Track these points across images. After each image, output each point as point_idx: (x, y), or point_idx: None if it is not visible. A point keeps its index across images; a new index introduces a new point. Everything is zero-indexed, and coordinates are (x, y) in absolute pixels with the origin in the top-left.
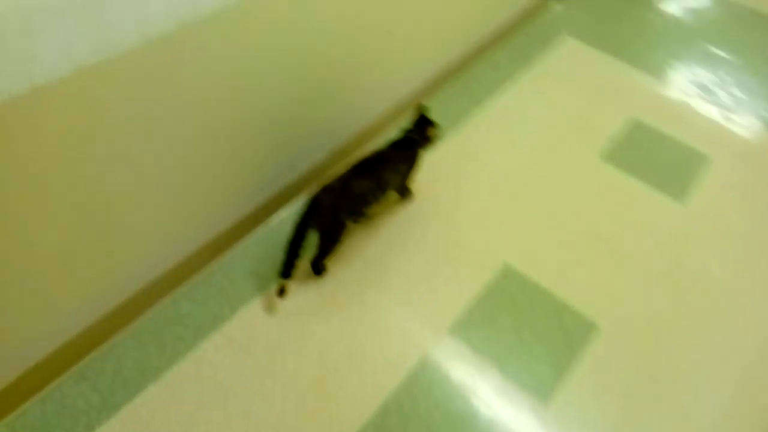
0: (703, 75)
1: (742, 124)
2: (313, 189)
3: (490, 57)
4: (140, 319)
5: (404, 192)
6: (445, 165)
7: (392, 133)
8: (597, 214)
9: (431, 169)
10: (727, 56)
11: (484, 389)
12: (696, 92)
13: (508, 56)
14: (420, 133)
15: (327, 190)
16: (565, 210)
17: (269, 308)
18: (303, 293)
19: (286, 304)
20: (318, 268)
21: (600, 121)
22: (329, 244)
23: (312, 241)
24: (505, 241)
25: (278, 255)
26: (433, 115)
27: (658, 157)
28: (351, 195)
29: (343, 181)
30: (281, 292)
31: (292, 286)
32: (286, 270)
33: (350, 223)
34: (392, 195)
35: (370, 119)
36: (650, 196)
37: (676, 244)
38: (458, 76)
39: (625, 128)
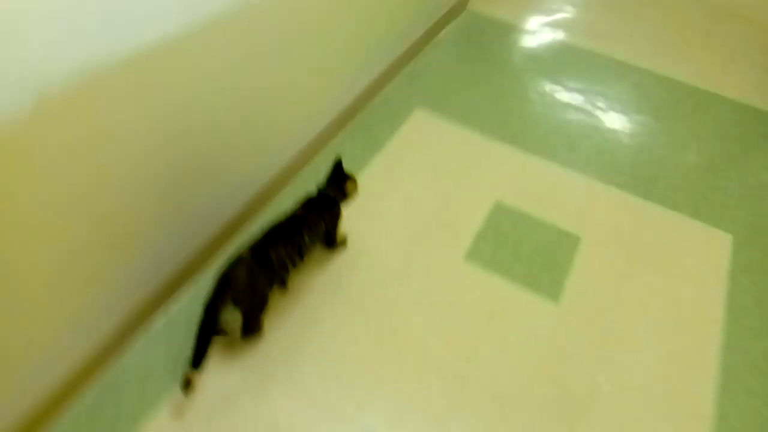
0: (570, 143)
1: (613, 197)
2: (221, 264)
3: (334, 147)
4: None
5: (332, 243)
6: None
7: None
8: (464, 337)
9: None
10: (595, 119)
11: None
12: (564, 163)
13: (354, 142)
14: (335, 188)
15: (240, 263)
16: (430, 338)
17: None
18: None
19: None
20: (249, 334)
21: (462, 212)
22: (254, 318)
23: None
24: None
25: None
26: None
27: (527, 248)
28: (269, 264)
29: (257, 250)
30: (187, 384)
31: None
32: (197, 359)
33: (273, 294)
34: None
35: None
36: (522, 298)
37: (556, 361)
38: (300, 175)
39: (491, 217)
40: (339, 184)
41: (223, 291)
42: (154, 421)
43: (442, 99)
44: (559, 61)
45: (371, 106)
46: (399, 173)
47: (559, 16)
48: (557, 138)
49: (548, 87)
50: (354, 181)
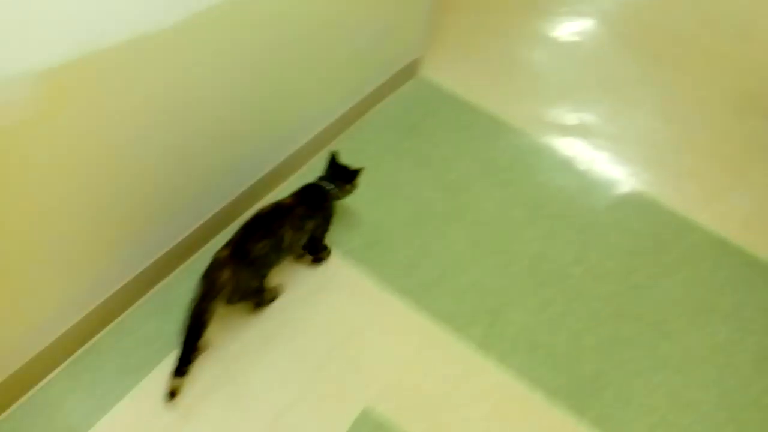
0: (493, 318)
1: (535, 410)
2: (204, 265)
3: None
4: None
5: (316, 251)
6: None
7: None
8: None
9: None
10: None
11: None
12: (481, 344)
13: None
14: (335, 182)
15: (222, 264)
16: None
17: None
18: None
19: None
20: (262, 303)
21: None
22: (255, 299)
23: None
24: None
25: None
26: None
27: None
28: (251, 261)
29: (237, 248)
30: (172, 395)
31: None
32: (181, 367)
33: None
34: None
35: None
36: None
37: None
38: None
39: None
40: (341, 178)
41: (210, 296)
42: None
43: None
44: (521, 166)
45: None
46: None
47: (530, 99)
48: (482, 300)
49: (492, 206)
50: (358, 174)
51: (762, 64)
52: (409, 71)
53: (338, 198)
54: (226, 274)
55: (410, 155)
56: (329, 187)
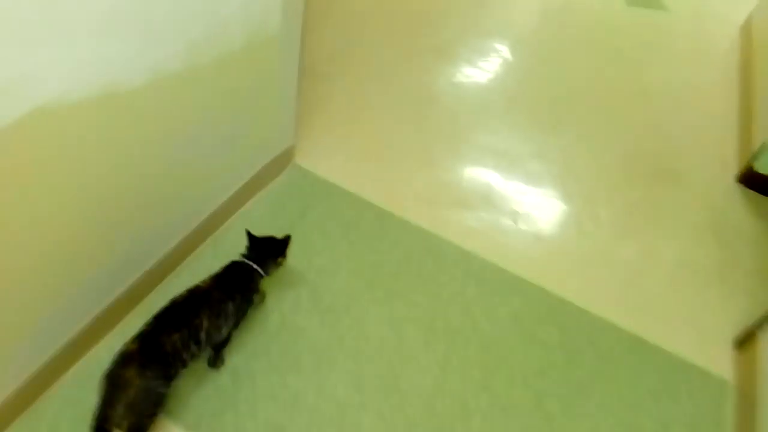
0: None
1: None
2: (108, 364)
3: None
4: None
5: (219, 350)
6: None
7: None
8: None
9: None
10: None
11: None
12: None
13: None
14: (263, 261)
15: (129, 359)
16: None
17: None
18: None
19: None
20: None
21: None
22: (146, 423)
23: None
24: None
25: None
26: None
27: None
28: (162, 355)
29: (146, 340)
30: None
31: None
32: None
33: (169, 389)
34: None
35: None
36: None
37: None
38: None
39: None
40: (269, 253)
41: (114, 398)
42: None
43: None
44: (411, 271)
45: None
46: None
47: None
48: None
49: (378, 330)
50: (287, 243)
51: (659, 124)
52: (283, 160)
53: (268, 275)
54: (131, 371)
55: (280, 270)
56: (255, 266)
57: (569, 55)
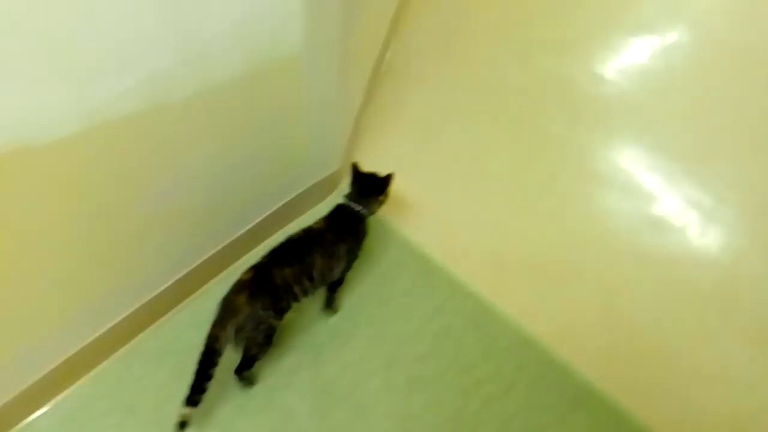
0: None
1: None
2: (227, 288)
3: None
4: None
5: (340, 284)
6: None
7: None
8: None
9: None
10: None
11: None
12: None
13: None
14: (365, 200)
15: (242, 287)
16: None
17: None
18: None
19: None
20: (245, 378)
21: None
22: (255, 352)
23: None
24: None
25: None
26: None
27: None
28: (272, 288)
29: (260, 272)
30: (182, 426)
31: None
32: (193, 396)
33: (281, 322)
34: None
35: None
36: None
37: None
38: None
39: None
40: (370, 191)
41: (224, 320)
42: None
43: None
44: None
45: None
46: None
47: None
48: None
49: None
50: (389, 181)
51: None
52: (325, 187)
53: (372, 214)
54: (242, 298)
55: (284, 324)
56: (357, 207)
57: (730, 77)
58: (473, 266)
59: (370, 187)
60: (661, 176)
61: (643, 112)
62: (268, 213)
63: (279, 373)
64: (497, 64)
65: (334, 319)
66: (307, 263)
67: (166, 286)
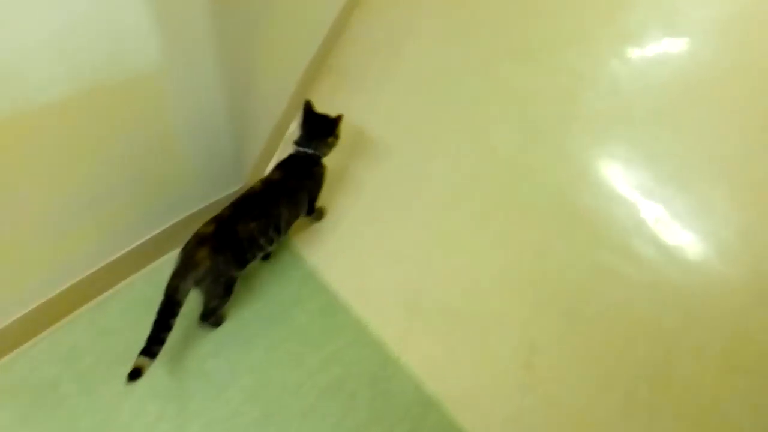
0: None
1: None
2: (186, 239)
3: None
4: None
5: (312, 213)
6: None
7: None
8: None
9: None
10: None
11: None
12: None
13: None
14: (317, 140)
15: (203, 240)
16: None
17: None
18: None
19: None
20: (210, 321)
21: None
22: (217, 302)
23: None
24: None
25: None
26: None
27: None
28: (236, 242)
29: (222, 226)
30: (134, 374)
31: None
32: (151, 346)
33: (242, 272)
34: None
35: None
36: None
37: None
38: None
39: None
40: (319, 132)
41: (184, 273)
42: None
43: None
44: None
45: None
46: None
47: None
48: None
49: None
50: (338, 122)
51: None
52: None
53: (324, 155)
54: (204, 252)
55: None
56: (309, 150)
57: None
58: (383, 308)
59: (320, 129)
60: (606, 217)
61: (607, 137)
62: (155, 233)
63: (138, 421)
64: (448, 73)
65: (211, 364)
66: (274, 215)
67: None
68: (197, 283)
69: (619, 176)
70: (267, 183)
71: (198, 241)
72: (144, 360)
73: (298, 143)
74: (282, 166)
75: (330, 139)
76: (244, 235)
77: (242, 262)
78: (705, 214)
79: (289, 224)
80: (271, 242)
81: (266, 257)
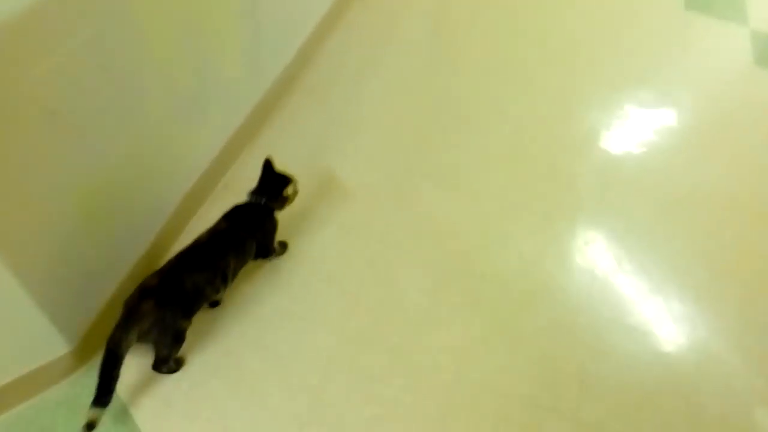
0: None
1: None
2: (129, 293)
3: None
4: None
5: (269, 255)
6: None
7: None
8: None
9: None
10: None
11: None
12: None
13: None
14: (270, 193)
15: (147, 292)
16: None
17: None
18: None
19: None
20: (165, 370)
21: None
22: (169, 351)
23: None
24: None
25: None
26: None
27: None
28: (182, 293)
29: (168, 278)
30: (90, 427)
31: None
32: (101, 397)
33: (189, 321)
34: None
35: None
36: None
37: None
38: None
39: None
40: (274, 188)
41: (128, 325)
42: None
43: None
44: None
45: None
46: None
47: None
48: None
49: None
50: (293, 182)
51: None
52: (48, 375)
53: (279, 209)
54: (148, 305)
55: None
56: (261, 200)
57: None
58: None
59: (279, 185)
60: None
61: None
62: None
63: None
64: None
65: None
66: (221, 266)
67: None
68: (142, 336)
69: None
70: (213, 233)
71: (141, 293)
72: (96, 411)
73: (254, 192)
74: (229, 216)
75: (281, 198)
76: (189, 287)
77: (189, 313)
78: None
79: (236, 272)
80: (217, 291)
81: (214, 304)
